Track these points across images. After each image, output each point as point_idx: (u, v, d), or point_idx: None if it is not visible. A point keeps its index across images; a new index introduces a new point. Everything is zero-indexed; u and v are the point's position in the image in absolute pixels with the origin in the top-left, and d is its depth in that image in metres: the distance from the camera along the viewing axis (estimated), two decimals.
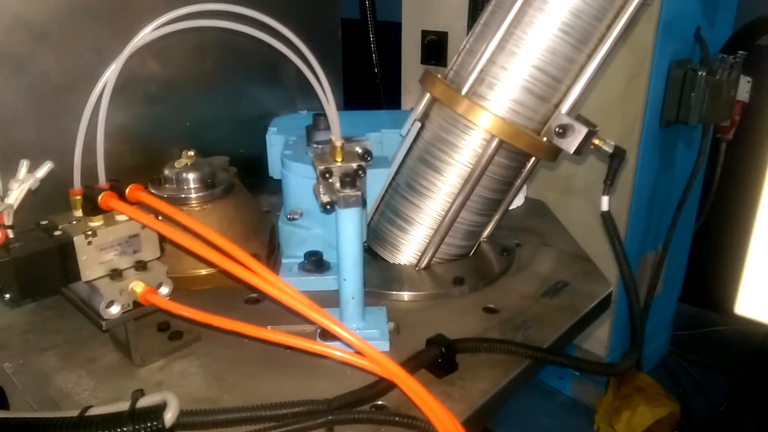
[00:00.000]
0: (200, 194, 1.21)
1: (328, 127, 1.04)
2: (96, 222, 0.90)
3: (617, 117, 2.14)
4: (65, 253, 0.86)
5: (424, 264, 1.23)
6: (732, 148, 2.47)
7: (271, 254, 1.28)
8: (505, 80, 1.09)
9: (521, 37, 1.07)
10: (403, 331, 1.07)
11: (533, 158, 1.21)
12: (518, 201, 1.61)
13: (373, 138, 1.32)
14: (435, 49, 2.47)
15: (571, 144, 1.10)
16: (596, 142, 1.12)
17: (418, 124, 1.20)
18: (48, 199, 1.00)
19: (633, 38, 2.01)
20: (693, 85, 2.14)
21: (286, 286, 0.83)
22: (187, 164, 1.22)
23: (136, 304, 0.92)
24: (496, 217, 1.31)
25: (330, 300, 1.03)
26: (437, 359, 0.94)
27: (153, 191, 1.21)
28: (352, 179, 0.94)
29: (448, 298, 1.17)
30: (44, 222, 0.90)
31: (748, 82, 2.28)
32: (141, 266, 0.93)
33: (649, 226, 2.40)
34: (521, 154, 1.16)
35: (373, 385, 0.86)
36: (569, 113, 1.10)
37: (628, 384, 2.43)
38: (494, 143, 1.10)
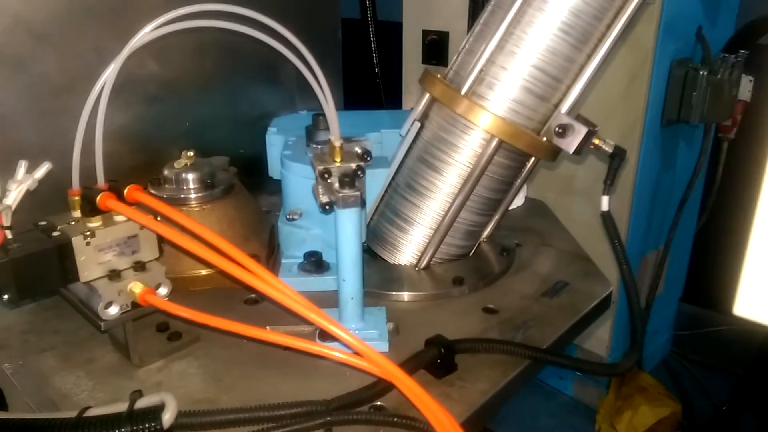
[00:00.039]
0: (200, 194, 1.21)
1: (327, 128, 1.04)
2: (94, 223, 0.90)
3: (618, 116, 2.13)
4: (63, 254, 0.86)
5: (423, 264, 1.22)
6: (734, 147, 2.46)
7: (270, 254, 1.28)
8: (505, 80, 1.09)
9: (521, 36, 1.07)
10: (402, 332, 1.06)
11: (533, 158, 1.20)
12: (518, 201, 1.60)
13: (373, 138, 1.32)
14: (436, 48, 2.46)
15: (570, 144, 1.09)
16: (596, 141, 1.11)
17: (418, 124, 1.20)
18: (47, 199, 1.00)
19: (634, 37, 2.00)
20: (694, 84, 2.14)
21: (284, 287, 0.82)
22: (186, 164, 1.22)
23: (135, 304, 0.92)
24: (496, 217, 1.31)
25: (329, 300, 1.03)
26: (436, 360, 0.94)
27: (152, 192, 1.21)
28: (351, 179, 0.94)
29: (448, 298, 1.17)
30: (43, 223, 0.90)
31: (750, 81, 2.27)
32: (139, 267, 0.93)
33: (651, 225, 2.40)
34: (521, 154, 1.16)
35: (372, 385, 0.86)
36: (569, 113, 1.10)
37: (629, 384, 2.42)
38: (494, 143, 1.10)
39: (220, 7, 0.88)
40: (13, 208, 0.93)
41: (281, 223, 1.24)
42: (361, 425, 0.82)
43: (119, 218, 0.91)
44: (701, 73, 2.12)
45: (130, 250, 0.92)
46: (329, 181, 0.95)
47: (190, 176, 1.21)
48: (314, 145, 1.25)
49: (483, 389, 0.93)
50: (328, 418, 0.80)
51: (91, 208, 0.89)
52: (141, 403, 0.76)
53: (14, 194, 0.95)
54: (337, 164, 0.96)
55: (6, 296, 0.84)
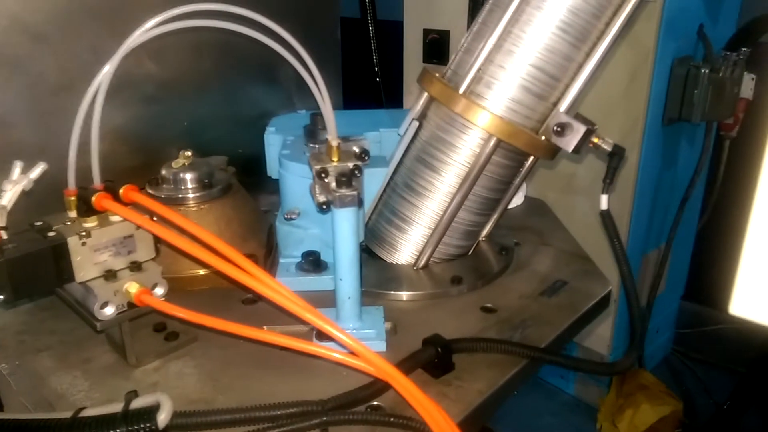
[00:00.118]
0: (197, 194, 1.21)
1: (325, 127, 1.04)
2: (90, 223, 0.89)
3: (620, 115, 2.13)
4: (59, 254, 0.86)
5: (422, 264, 1.22)
6: (735, 145, 2.45)
7: (268, 254, 1.28)
8: (503, 79, 1.08)
9: (519, 35, 1.06)
10: (400, 331, 1.06)
11: (531, 157, 1.20)
12: (517, 200, 1.60)
13: (372, 137, 1.31)
14: (437, 47, 2.46)
15: (569, 143, 1.09)
16: (595, 140, 1.11)
17: (416, 124, 1.19)
18: (44, 199, 0.99)
19: (635, 36, 2.00)
20: (696, 82, 2.13)
21: (280, 287, 0.82)
22: (184, 164, 1.22)
23: (131, 305, 0.91)
24: (495, 216, 1.31)
25: (327, 300, 1.03)
26: (433, 359, 0.94)
27: (150, 191, 1.21)
28: (348, 179, 0.93)
29: (446, 297, 1.17)
30: (38, 223, 0.90)
31: (752, 79, 2.26)
32: (135, 267, 0.92)
33: (652, 224, 2.39)
34: (519, 153, 1.16)
35: (369, 385, 0.86)
36: (568, 112, 1.10)
37: (630, 382, 2.42)
38: (492, 142, 1.10)
39: (214, 6, 0.88)
40: (8, 208, 0.93)
41: (279, 222, 1.24)
42: (357, 425, 0.82)
43: (115, 218, 0.91)
44: (703, 71, 2.11)
45: (126, 250, 0.92)
46: (326, 180, 0.95)
47: (188, 176, 1.21)
48: (312, 145, 1.25)
49: (480, 389, 0.92)
50: (324, 418, 0.80)
51: (86, 209, 0.89)
52: (136, 404, 0.76)
53: (9, 195, 0.95)
54: (334, 164, 0.95)
55: (1, 297, 0.84)
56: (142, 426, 0.73)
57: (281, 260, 1.22)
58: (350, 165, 0.96)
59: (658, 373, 2.53)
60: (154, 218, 0.91)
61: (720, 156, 2.47)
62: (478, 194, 1.18)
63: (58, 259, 0.86)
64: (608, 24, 1.07)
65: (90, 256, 0.89)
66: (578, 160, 2.20)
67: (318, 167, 0.95)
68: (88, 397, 0.90)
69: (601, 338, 2.44)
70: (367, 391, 0.86)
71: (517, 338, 1.05)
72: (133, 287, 0.90)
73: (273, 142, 1.40)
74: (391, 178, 1.23)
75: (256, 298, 1.13)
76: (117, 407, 0.76)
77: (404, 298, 1.17)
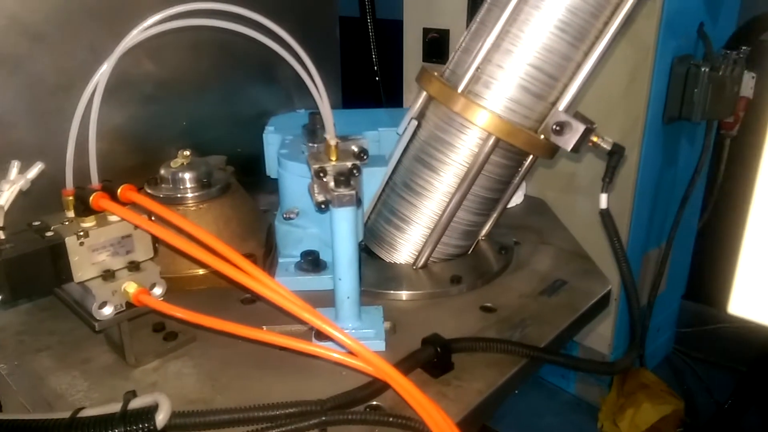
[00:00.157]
0: (196, 194, 1.21)
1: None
2: (88, 223, 0.89)
3: (620, 114, 2.12)
4: (57, 254, 0.86)
5: (421, 263, 1.22)
6: (736, 144, 2.45)
7: (267, 254, 1.27)
8: (502, 78, 1.08)
9: (517, 35, 1.06)
10: (399, 331, 1.06)
11: (531, 156, 1.20)
12: (517, 199, 1.60)
13: (371, 136, 1.31)
14: (436, 46, 2.45)
15: (568, 141, 1.09)
16: (594, 139, 1.11)
17: (415, 123, 1.19)
18: (42, 199, 0.99)
19: (635, 34, 1.99)
20: (696, 81, 2.12)
21: (278, 287, 0.82)
22: (183, 164, 1.22)
23: (129, 305, 0.91)
24: (494, 216, 1.30)
25: (327, 299, 1.03)
26: (433, 359, 0.94)
27: (149, 191, 1.20)
28: (347, 178, 0.93)
29: (446, 297, 1.17)
30: (36, 223, 0.90)
31: (753, 77, 2.25)
32: (134, 267, 0.92)
33: (652, 223, 2.39)
34: (518, 152, 1.15)
35: (367, 385, 0.86)
36: (567, 110, 1.09)
37: (631, 382, 2.41)
38: (491, 141, 1.09)
39: (211, 5, 0.88)
40: (6, 208, 0.93)
41: (278, 222, 1.24)
42: (356, 425, 0.82)
43: (113, 218, 0.91)
44: (703, 69, 2.10)
45: (124, 250, 0.92)
46: (325, 179, 0.95)
47: (187, 175, 1.21)
48: (311, 144, 1.25)
49: (480, 388, 0.92)
50: (323, 418, 0.80)
51: (84, 208, 0.89)
52: (135, 404, 0.76)
53: (6, 195, 0.95)
54: (333, 163, 0.95)
55: None
56: (140, 426, 0.73)
57: (280, 260, 1.22)
58: (349, 164, 0.96)
59: (659, 373, 2.52)
60: (153, 218, 0.91)
61: (720, 155, 2.47)
62: (477, 194, 1.18)
63: (56, 259, 0.86)
64: (607, 23, 1.06)
65: (88, 256, 0.88)
66: (578, 159, 2.19)
67: (316, 166, 0.94)
68: (87, 397, 0.90)
69: (601, 337, 2.43)
70: (366, 390, 0.86)
71: (516, 338, 1.04)
72: (131, 287, 0.90)
73: (272, 141, 1.40)
74: (390, 177, 1.23)
75: (254, 298, 1.13)
76: (116, 407, 0.76)
77: (403, 298, 1.16)
